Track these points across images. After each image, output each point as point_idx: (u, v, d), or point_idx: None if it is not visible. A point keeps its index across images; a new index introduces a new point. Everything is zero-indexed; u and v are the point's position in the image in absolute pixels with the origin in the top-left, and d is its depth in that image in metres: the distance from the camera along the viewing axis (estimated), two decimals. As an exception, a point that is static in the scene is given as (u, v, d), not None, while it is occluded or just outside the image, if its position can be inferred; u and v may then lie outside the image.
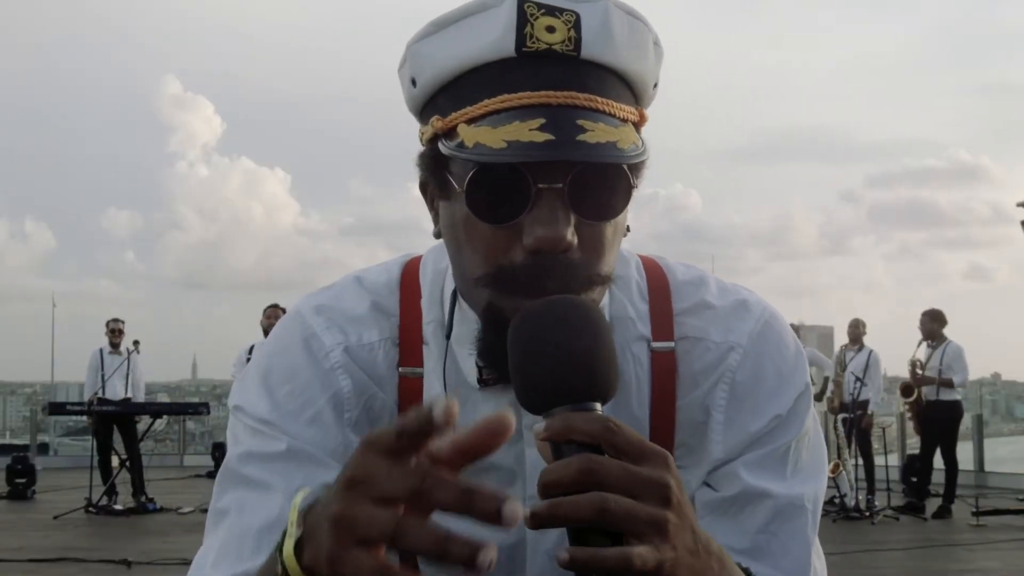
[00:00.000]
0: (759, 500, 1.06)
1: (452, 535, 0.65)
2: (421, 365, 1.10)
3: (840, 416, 10.79)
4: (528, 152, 0.89)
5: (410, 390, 1.11)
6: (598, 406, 0.82)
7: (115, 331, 11.38)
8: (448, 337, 1.08)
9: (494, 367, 1.03)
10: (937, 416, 10.32)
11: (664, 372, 1.10)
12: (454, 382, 1.08)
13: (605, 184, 0.94)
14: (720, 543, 1.05)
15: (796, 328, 11.98)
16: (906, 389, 10.44)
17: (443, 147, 0.95)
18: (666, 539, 0.77)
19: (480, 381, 1.07)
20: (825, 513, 10.64)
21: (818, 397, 11.98)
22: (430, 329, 1.11)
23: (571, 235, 0.92)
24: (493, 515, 0.65)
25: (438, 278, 1.12)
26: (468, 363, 1.07)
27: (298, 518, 0.77)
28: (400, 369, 1.11)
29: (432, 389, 1.10)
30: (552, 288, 0.92)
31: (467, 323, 1.05)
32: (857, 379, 10.57)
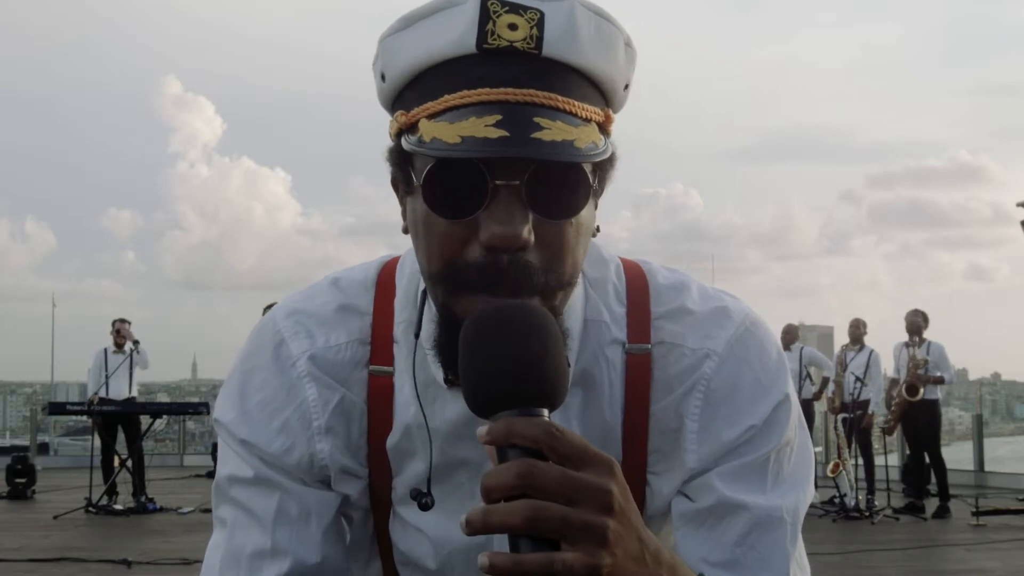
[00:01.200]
0: (735, 512, 1.05)
1: None
2: (391, 364, 1.11)
3: (840, 416, 10.78)
4: (481, 148, 0.89)
5: (380, 388, 1.11)
6: (545, 412, 0.81)
7: (120, 331, 11.38)
8: (417, 336, 1.08)
9: (451, 367, 1.02)
10: (919, 416, 10.30)
11: (638, 376, 1.09)
12: (423, 381, 1.08)
13: (564, 182, 0.93)
14: (697, 555, 1.04)
15: (796, 328, 11.98)
16: (911, 388, 10.39)
17: (405, 142, 0.96)
18: (604, 546, 0.77)
19: (447, 380, 1.07)
20: (825, 513, 10.60)
21: (816, 396, 11.96)
22: (401, 328, 1.11)
23: (527, 232, 0.91)
24: None
25: (414, 278, 1.12)
26: (435, 362, 1.06)
27: None
28: (370, 367, 1.11)
29: (403, 388, 1.10)
30: (505, 287, 0.92)
31: (435, 321, 1.04)
32: (857, 379, 10.56)
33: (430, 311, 1.06)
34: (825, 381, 11.46)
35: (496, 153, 0.89)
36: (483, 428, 0.80)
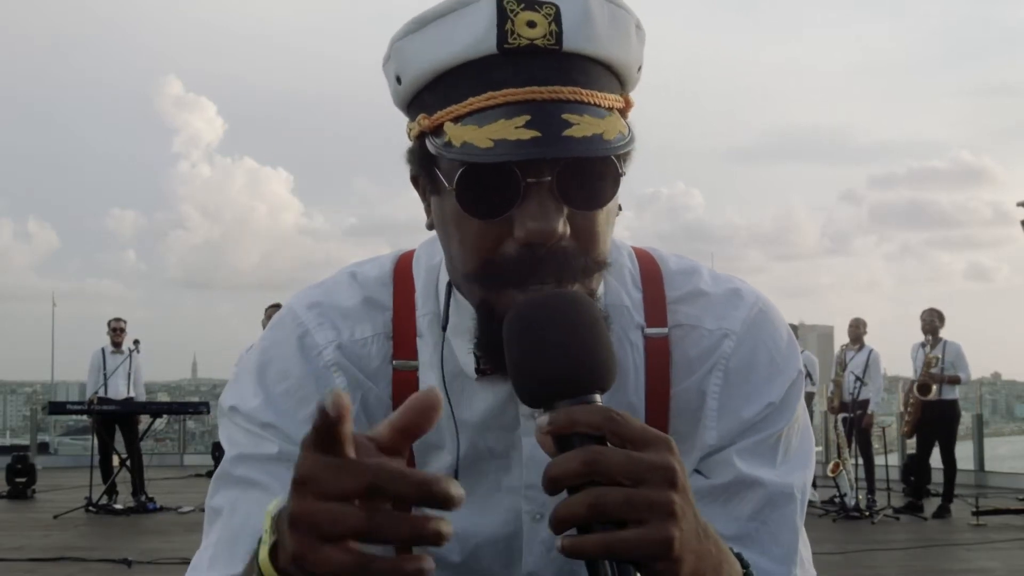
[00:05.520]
0: (751, 488, 1.07)
1: (423, 517, 0.68)
2: (415, 358, 1.11)
3: (840, 416, 10.78)
4: (515, 151, 0.90)
5: (404, 383, 1.11)
6: (598, 397, 0.82)
7: (117, 330, 11.38)
8: (444, 328, 1.08)
9: (491, 359, 1.03)
10: (937, 416, 10.31)
11: (658, 359, 1.10)
12: (450, 373, 1.09)
13: (593, 174, 0.94)
14: None
15: (796, 328, 11.97)
16: (923, 387, 10.39)
17: (431, 145, 0.96)
18: (672, 520, 0.78)
19: (477, 371, 1.07)
20: (825, 513, 10.56)
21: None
22: (425, 321, 1.11)
23: (562, 226, 0.93)
24: (445, 500, 0.68)
25: (432, 272, 1.13)
26: (464, 354, 1.07)
27: (271, 524, 0.77)
28: (394, 362, 1.11)
29: (427, 381, 1.10)
30: (545, 277, 0.93)
31: (462, 314, 1.06)
32: (857, 379, 10.56)
33: (456, 303, 1.07)
34: (809, 397, 11.41)
35: (533, 155, 0.90)
36: (543, 419, 0.80)
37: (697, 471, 1.11)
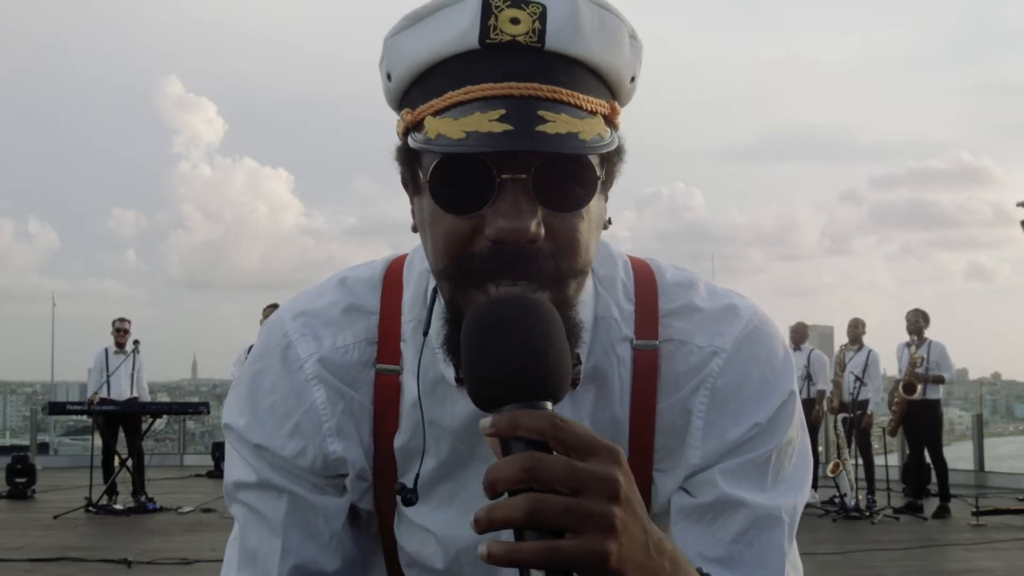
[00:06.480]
0: (735, 509, 1.06)
1: None
2: (398, 362, 1.11)
3: (840, 416, 10.78)
4: (486, 142, 0.89)
5: (386, 387, 1.11)
6: (548, 405, 0.81)
7: (121, 330, 11.38)
8: (425, 334, 1.07)
9: (457, 361, 1.01)
10: (921, 415, 10.32)
11: (646, 372, 1.09)
12: (431, 379, 1.08)
13: (570, 175, 0.93)
14: (694, 550, 1.04)
15: (805, 327, 11.90)
16: (908, 387, 10.40)
17: (411, 140, 0.96)
18: (611, 534, 0.76)
19: (456, 379, 1.06)
20: (825, 513, 10.58)
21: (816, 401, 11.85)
22: (410, 328, 1.11)
23: (535, 227, 0.91)
24: None
25: (423, 276, 1.12)
26: (444, 359, 1.06)
27: None
28: (377, 366, 1.11)
29: (409, 386, 1.10)
30: (514, 276, 0.92)
31: (444, 319, 1.04)
32: (857, 379, 10.56)
33: (440, 309, 1.06)
34: (820, 395, 11.38)
35: (501, 147, 0.89)
36: (486, 420, 0.80)
37: (683, 489, 1.09)
